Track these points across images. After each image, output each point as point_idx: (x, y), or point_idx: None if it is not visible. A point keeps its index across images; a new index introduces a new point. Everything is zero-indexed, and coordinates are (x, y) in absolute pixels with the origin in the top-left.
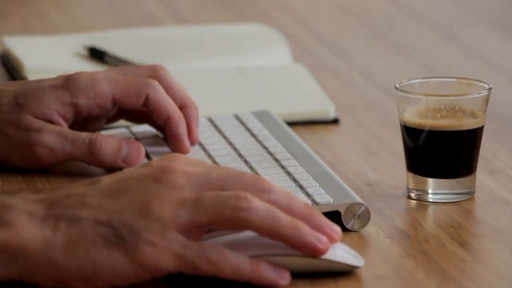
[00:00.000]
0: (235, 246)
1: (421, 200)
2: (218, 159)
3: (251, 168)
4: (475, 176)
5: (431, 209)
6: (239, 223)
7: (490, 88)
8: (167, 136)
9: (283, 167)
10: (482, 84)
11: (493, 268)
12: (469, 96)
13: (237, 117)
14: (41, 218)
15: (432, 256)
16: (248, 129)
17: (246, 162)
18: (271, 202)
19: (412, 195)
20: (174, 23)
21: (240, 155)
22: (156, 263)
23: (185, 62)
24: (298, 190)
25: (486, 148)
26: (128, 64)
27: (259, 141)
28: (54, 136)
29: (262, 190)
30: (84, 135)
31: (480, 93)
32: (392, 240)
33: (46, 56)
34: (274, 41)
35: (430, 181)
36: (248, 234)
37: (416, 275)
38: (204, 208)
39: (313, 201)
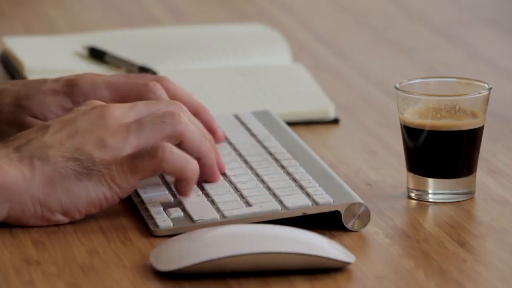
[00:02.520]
0: (236, 243)
1: (421, 200)
2: None
3: (251, 168)
4: (475, 176)
5: (431, 209)
6: (178, 136)
7: (490, 88)
8: None
9: (283, 167)
10: (482, 84)
11: (493, 268)
12: (469, 96)
13: (237, 117)
14: (17, 160)
15: (432, 256)
16: (248, 129)
17: (246, 162)
18: (190, 121)
19: (412, 195)
20: (174, 23)
21: (240, 155)
22: (118, 182)
23: (185, 62)
24: (298, 190)
25: (486, 148)
26: (128, 64)
27: (259, 141)
28: None
29: (181, 110)
30: None
31: (480, 93)
32: (392, 240)
33: (46, 56)
34: (274, 41)
35: (430, 181)
36: (248, 231)
37: (416, 275)
38: (147, 129)
39: (313, 201)
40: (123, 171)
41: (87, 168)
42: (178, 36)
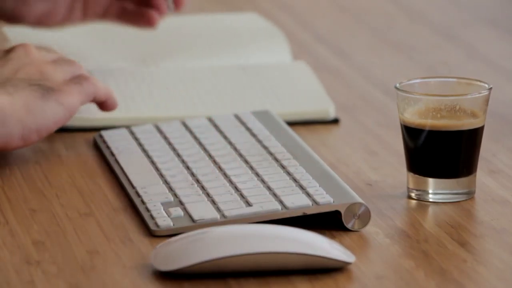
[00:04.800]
0: (236, 243)
1: (421, 200)
2: (218, 159)
3: (251, 168)
4: (475, 176)
5: (431, 209)
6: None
7: (490, 88)
8: None
9: (283, 167)
10: (482, 84)
11: (493, 268)
12: (469, 96)
13: (237, 117)
14: None
15: (432, 256)
16: (248, 129)
17: (246, 162)
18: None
19: (412, 195)
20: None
21: (240, 155)
22: (72, 103)
23: (186, 60)
24: (298, 190)
25: (486, 148)
26: None
27: (259, 141)
28: None
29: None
30: None
31: (480, 93)
32: (392, 240)
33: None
34: (272, 36)
35: (430, 181)
36: (248, 231)
37: (416, 275)
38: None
39: (314, 201)
40: (70, 91)
41: (47, 91)
42: (178, 35)
